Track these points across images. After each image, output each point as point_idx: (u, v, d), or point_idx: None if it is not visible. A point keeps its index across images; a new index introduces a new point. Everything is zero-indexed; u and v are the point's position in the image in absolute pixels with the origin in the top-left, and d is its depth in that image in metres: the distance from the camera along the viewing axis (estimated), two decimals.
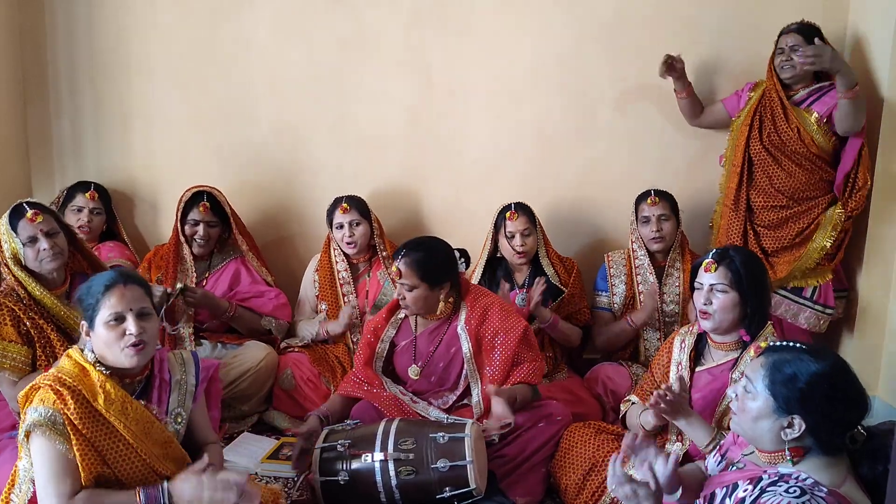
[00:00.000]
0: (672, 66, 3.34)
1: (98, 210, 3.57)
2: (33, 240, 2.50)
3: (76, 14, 3.69)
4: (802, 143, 3.17)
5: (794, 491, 1.52)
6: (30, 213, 2.50)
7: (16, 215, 2.52)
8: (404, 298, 2.75)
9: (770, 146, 3.22)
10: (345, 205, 3.39)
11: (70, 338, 2.52)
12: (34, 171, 3.84)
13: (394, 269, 2.74)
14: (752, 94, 3.34)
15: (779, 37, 3.25)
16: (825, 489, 1.54)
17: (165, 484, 1.92)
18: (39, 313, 2.53)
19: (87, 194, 3.54)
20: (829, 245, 3.18)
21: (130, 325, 1.97)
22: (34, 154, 3.82)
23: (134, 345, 1.97)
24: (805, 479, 1.56)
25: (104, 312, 1.97)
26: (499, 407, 2.54)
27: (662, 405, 2.19)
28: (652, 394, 2.26)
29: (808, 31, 3.18)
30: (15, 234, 2.49)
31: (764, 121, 3.24)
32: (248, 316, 3.39)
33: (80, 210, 3.51)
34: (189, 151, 3.80)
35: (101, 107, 3.77)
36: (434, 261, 2.74)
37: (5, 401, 2.57)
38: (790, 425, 1.63)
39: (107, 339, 1.96)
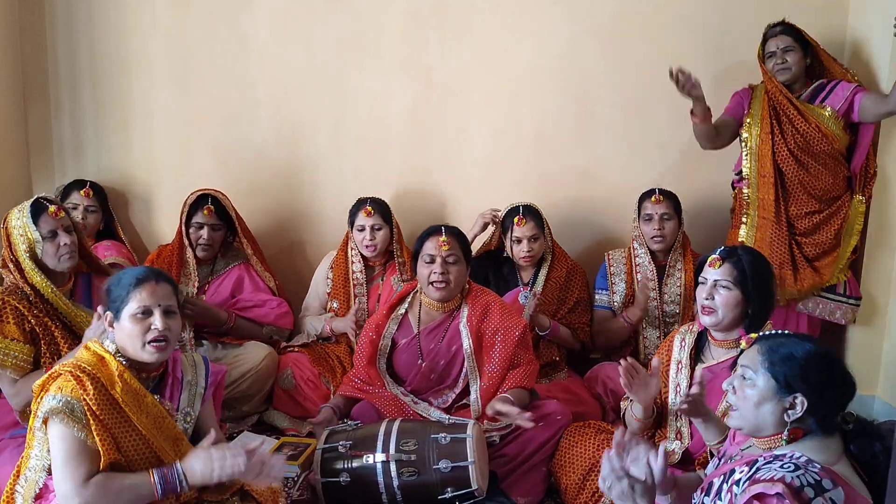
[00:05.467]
0: (681, 83, 3.03)
1: (93, 208, 3.56)
2: (54, 234, 2.49)
3: (76, 14, 3.69)
4: (826, 139, 3.13)
5: (789, 466, 1.58)
6: (53, 208, 2.51)
7: (37, 210, 2.50)
8: (446, 273, 2.74)
9: (796, 149, 3.16)
10: (369, 208, 3.36)
11: (75, 336, 2.51)
12: (34, 171, 3.84)
13: (442, 239, 2.75)
14: (752, 97, 3.26)
15: (766, 40, 3.23)
16: (818, 465, 1.59)
17: (178, 464, 1.94)
18: (45, 311, 2.51)
19: (82, 192, 3.54)
20: (856, 239, 3.23)
21: (157, 320, 2.00)
22: (34, 154, 3.82)
23: (157, 340, 2.00)
24: (799, 458, 1.62)
25: (132, 305, 2.00)
26: (503, 406, 2.53)
27: (685, 405, 2.15)
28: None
29: (794, 31, 3.18)
30: (36, 228, 2.47)
31: (783, 125, 3.18)
32: (247, 326, 3.37)
33: (74, 208, 3.50)
34: (189, 151, 3.80)
35: (101, 107, 3.77)
36: (467, 240, 2.90)
37: (5, 400, 2.56)
38: (792, 406, 1.67)
39: (131, 331, 1.99)
